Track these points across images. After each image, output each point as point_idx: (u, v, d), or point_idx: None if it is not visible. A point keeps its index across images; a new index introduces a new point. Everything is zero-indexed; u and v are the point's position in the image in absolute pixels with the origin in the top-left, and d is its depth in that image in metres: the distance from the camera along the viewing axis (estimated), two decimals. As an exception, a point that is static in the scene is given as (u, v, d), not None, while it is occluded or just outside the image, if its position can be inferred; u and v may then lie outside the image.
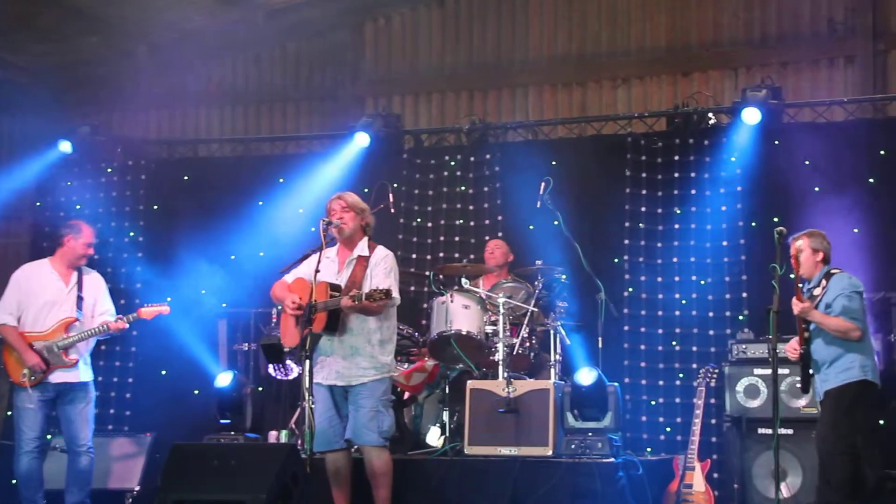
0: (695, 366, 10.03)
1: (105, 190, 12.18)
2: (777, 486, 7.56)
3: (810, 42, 11.76)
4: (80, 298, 9.03)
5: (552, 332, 9.27)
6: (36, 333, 8.85)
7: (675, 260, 10.54)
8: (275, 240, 11.19)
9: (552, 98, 12.60)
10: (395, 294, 7.95)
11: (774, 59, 11.80)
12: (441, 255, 11.36)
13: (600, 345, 9.56)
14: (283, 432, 10.08)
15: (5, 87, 13.11)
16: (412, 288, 11.06)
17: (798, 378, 8.16)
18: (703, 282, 10.41)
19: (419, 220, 11.53)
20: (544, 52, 12.71)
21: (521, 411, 8.62)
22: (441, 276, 9.90)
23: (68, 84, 13.49)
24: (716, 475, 9.43)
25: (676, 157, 10.70)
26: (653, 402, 10.32)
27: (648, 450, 10.07)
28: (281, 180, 11.76)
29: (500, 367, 8.98)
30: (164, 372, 11.58)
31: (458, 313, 9.17)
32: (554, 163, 10.81)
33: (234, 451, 8.50)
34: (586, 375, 8.86)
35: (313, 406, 7.54)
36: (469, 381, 8.93)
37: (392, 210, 10.29)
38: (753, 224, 10.23)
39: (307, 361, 7.55)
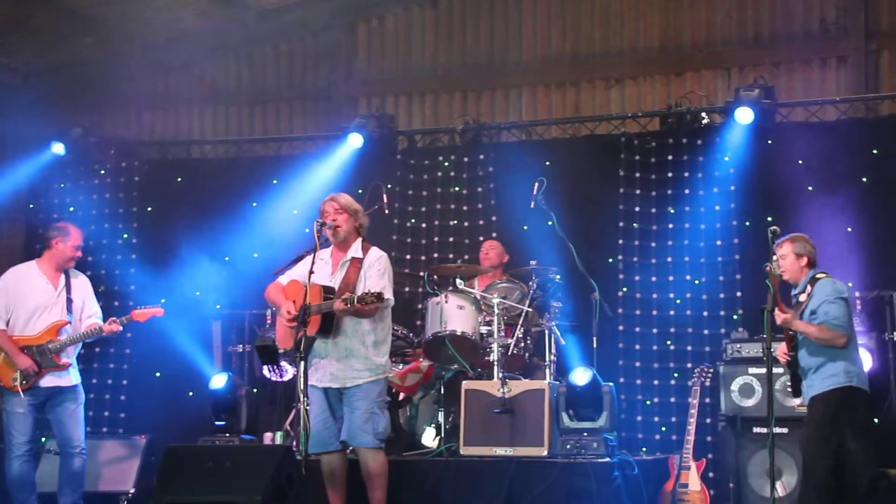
0: (689, 365, 10.04)
1: (98, 191, 12.19)
2: (772, 484, 7.56)
3: (802, 42, 11.76)
4: (69, 301, 8.99)
5: (547, 332, 9.27)
6: (26, 337, 8.80)
7: (669, 259, 10.56)
8: (269, 241, 11.19)
9: (546, 98, 12.59)
10: (389, 296, 7.96)
11: (767, 58, 11.79)
12: (435, 255, 11.37)
13: (595, 345, 9.58)
14: (278, 434, 10.07)
15: (-3, 88, 13.11)
16: (407, 289, 11.07)
17: (794, 377, 8.17)
18: (697, 281, 10.43)
19: (413, 220, 11.53)
20: (538, 52, 12.69)
21: (516, 412, 8.63)
22: (435, 277, 9.91)
23: (60, 85, 13.45)
24: (711, 474, 9.44)
25: (670, 157, 10.72)
26: (648, 402, 10.34)
27: (644, 449, 10.09)
28: (274, 181, 11.76)
29: (495, 368, 8.98)
30: (158, 374, 11.57)
31: (453, 314, 9.18)
32: (548, 163, 10.82)
33: (228, 452, 8.50)
34: (581, 375, 8.88)
35: (308, 408, 7.53)
36: (464, 382, 8.94)
37: (386, 211, 10.30)
38: (747, 223, 10.25)
39: (302, 363, 7.55)
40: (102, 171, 12.31)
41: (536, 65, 12.69)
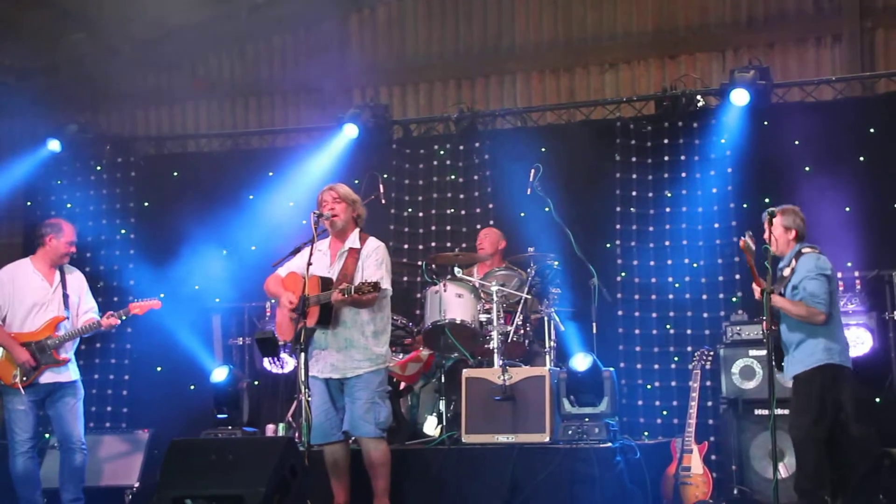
0: (690, 349, 10.05)
1: (95, 188, 12.20)
2: (775, 466, 7.56)
3: (797, 21, 11.75)
4: (65, 296, 9.01)
5: (546, 318, 9.27)
6: (25, 334, 8.81)
7: (667, 243, 10.56)
8: (266, 233, 11.21)
9: (540, 84, 12.59)
10: (386, 285, 7.97)
11: (761, 39, 11.80)
12: (433, 244, 11.37)
13: (594, 330, 9.56)
14: (281, 425, 10.09)
15: (-8, 87, 13.11)
16: (405, 278, 11.07)
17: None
18: (695, 265, 10.42)
19: (410, 210, 11.53)
20: (531, 38, 12.69)
21: (517, 399, 8.61)
22: (434, 266, 9.90)
23: (55, 83, 13.46)
24: (713, 457, 9.44)
25: (666, 141, 10.70)
26: (648, 386, 10.34)
27: (645, 434, 10.10)
28: (270, 174, 11.77)
29: (496, 355, 8.98)
30: (159, 368, 11.59)
31: (452, 302, 9.19)
32: (543, 149, 10.80)
33: (231, 445, 8.48)
34: (581, 361, 8.87)
35: (309, 399, 7.54)
36: (465, 370, 8.93)
37: (383, 201, 10.28)
38: (745, 205, 10.23)
39: (302, 354, 7.55)
40: (99, 168, 12.32)
41: (530, 51, 12.68)
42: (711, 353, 9.39)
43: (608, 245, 10.68)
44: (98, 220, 11.96)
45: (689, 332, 10.30)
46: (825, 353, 7.67)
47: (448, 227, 11.41)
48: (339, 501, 8.14)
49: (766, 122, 10.45)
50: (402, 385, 9.61)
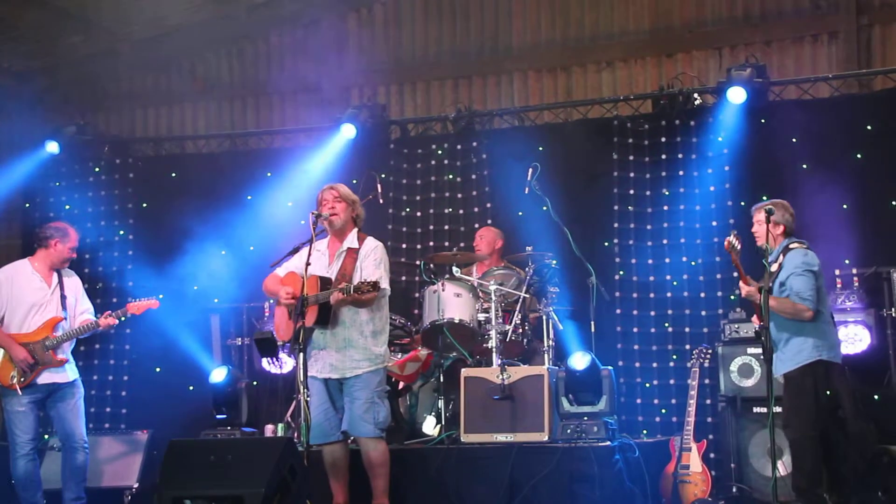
0: (688, 347, 10.08)
1: (93, 189, 12.21)
2: (773, 464, 7.57)
3: (793, 19, 11.76)
4: (63, 298, 9.03)
5: (545, 317, 9.26)
6: (23, 335, 8.82)
7: (665, 242, 10.57)
8: (265, 234, 11.20)
9: (537, 84, 12.60)
10: (385, 285, 7.98)
11: (758, 37, 11.80)
12: (431, 243, 11.38)
13: (593, 329, 9.57)
14: (280, 426, 10.11)
15: (-10, 89, 13.10)
16: (403, 278, 11.09)
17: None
18: (693, 262, 10.43)
19: (408, 209, 11.54)
20: (528, 38, 12.70)
21: (516, 398, 8.63)
22: (432, 265, 9.90)
23: (53, 84, 13.46)
24: (712, 455, 9.44)
25: (663, 139, 10.72)
26: (647, 385, 10.35)
27: (644, 432, 10.11)
28: (269, 174, 11.78)
29: (494, 355, 8.99)
30: (158, 369, 11.60)
31: (450, 302, 9.20)
32: (541, 148, 10.81)
33: (231, 445, 8.48)
34: (580, 360, 8.86)
35: (308, 399, 7.55)
36: (463, 370, 8.93)
37: (381, 200, 10.30)
38: (742, 203, 10.20)
39: (301, 354, 7.56)
40: (97, 169, 12.34)
41: (527, 50, 12.69)
42: (710, 350, 9.40)
43: (606, 243, 10.69)
44: (97, 222, 11.98)
45: (687, 330, 10.32)
46: (814, 349, 7.68)
47: (446, 227, 11.42)
48: (338, 501, 8.15)
49: (763, 120, 10.46)
50: (401, 384, 9.62)
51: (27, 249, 11.67)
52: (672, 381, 10.24)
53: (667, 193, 10.61)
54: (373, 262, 8.00)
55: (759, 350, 8.94)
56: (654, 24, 12.26)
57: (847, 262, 9.80)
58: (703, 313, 10.28)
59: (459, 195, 11.43)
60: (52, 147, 12.06)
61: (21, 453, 8.77)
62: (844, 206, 9.95)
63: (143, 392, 11.49)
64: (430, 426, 9.43)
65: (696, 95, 10.76)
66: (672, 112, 10.73)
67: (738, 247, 7.63)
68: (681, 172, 10.59)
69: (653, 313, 10.48)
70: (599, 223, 10.74)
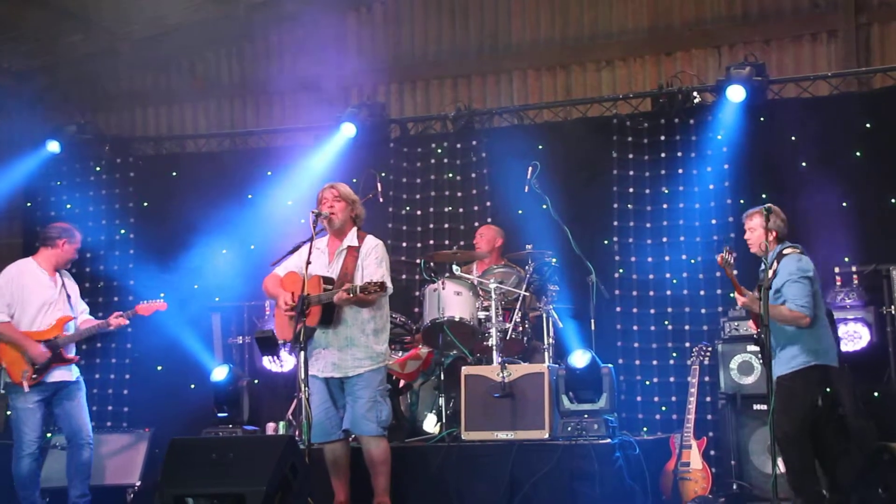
0: (688, 344, 10.09)
1: (94, 188, 12.24)
2: (773, 461, 7.58)
3: (792, 17, 11.76)
4: (68, 297, 9.10)
5: (545, 315, 9.29)
6: (35, 333, 8.85)
7: (664, 240, 10.58)
8: (266, 232, 11.21)
9: (537, 82, 12.60)
10: (388, 284, 7.99)
11: (757, 35, 11.79)
12: (431, 242, 11.40)
13: (593, 327, 9.59)
14: (281, 424, 10.12)
15: (-9, 88, 13.12)
16: (404, 276, 11.10)
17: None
18: (693, 260, 10.45)
19: (408, 208, 11.56)
20: (527, 36, 12.70)
21: (516, 395, 8.65)
22: (432, 264, 9.91)
23: (53, 83, 13.47)
24: (712, 452, 9.46)
25: (662, 137, 10.73)
26: (647, 382, 10.38)
27: (644, 430, 10.13)
28: (269, 173, 11.79)
29: (494, 353, 9.01)
30: (160, 368, 11.63)
31: (451, 300, 9.21)
32: (540, 147, 10.84)
33: (232, 444, 8.49)
34: (580, 358, 8.88)
35: (309, 397, 7.57)
36: (464, 368, 8.95)
37: (381, 199, 10.30)
38: (742, 201, 10.21)
39: (302, 353, 7.58)
40: (98, 168, 12.37)
41: (527, 49, 12.69)
42: (710, 348, 9.41)
43: (606, 242, 10.71)
44: (98, 221, 12.00)
45: (687, 327, 10.34)
46: (810, 355, 7.67)
47: (446, 225, 11.44)
48: (339, 499, 8.17)
49: (762, 118, 10.48)
50: (402, 383, 9.63)
51: (28, 248, 11.72)
52: (672, 379, 10.26)
53: (666, 191, 10.63)
54: (374, 261, 8.02)
55: (759, 348, 9.00)
56: (653, 22, 12.26)
57: (846, 259, 9.83)
58: (703, 311, 10.29)
59: (459, 194, 11.45)
60: (53, 146, 12.09)
61: (27, 452, 8.79)
62: (844, 204, 9.97)
63: (145, 390, 11.52)
64: (430, 424, 9.45)
65: (695, 94, 10.79)
66: (671, 110, 10.75)
67: (732, 261, 7.66)
68: (680, 171, 10.61)
69: (653, 311, 10.50)
70: (599, 221, 10.75)
